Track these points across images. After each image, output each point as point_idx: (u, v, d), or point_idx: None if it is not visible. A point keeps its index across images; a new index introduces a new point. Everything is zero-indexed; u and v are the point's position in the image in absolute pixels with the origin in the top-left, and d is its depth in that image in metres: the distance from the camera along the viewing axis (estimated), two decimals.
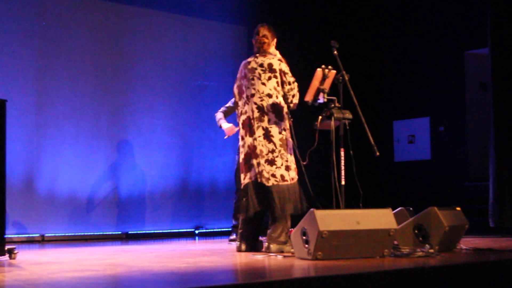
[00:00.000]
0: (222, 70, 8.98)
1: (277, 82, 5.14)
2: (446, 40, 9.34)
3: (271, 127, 5.10)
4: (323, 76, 5.03)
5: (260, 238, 5.33)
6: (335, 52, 5.09)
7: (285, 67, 5.18)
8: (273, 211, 5.06)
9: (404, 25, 9.95)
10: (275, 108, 5.12)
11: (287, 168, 5.10)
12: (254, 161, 5.13)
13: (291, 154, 5.16)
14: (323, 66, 5.04)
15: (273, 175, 5.05)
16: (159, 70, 8.56)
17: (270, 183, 5.05)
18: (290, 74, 5.18)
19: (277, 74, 5.15)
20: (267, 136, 5.10)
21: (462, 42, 9.16)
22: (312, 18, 9.99)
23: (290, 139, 5.21)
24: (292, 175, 5.11)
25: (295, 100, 5.17)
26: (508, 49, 7.32)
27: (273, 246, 4.99)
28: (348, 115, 5.00)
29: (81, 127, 7.87)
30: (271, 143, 5.09)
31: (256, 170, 5.12)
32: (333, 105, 4.98)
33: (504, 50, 7.33)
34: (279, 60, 5.20)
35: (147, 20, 8.52)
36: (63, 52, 7.82)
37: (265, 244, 5.06)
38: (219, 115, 6.78)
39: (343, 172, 4.89)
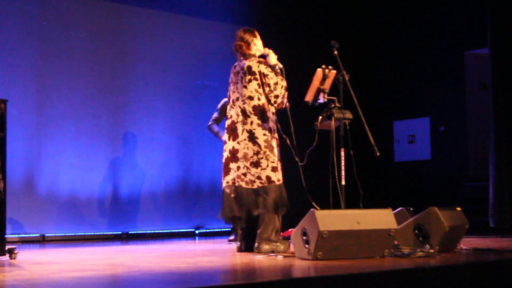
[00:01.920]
0: (222, 70, 8.93)
1: (258, 84, 5.13)
2: (446, 40, 9.34)
3: (254, 129, 5.08)
4: (324, 76, 5.02)
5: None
6: (336, 52, 5.08)
7: (264, 69, 5.14)
8: (254, 212, 5.05)
9: (404, 25, 9.95)
10: (257, 110, 5.10)
11: (274, 169, 5.07)
12: (234, 165, 5.14)
13: (276, 156, 5.13)
14: (323, 66, 5.04)
15: (259, 177, 5.04)
16: (159, 70, 8.56)
17: (255, 186, 5.05)
18: (271, 75, 5.12)
19: (257, 76, 5.13)
20: (252, 138, 5.08)
21: (462, 42, 9.16)
22: (313, 18, 9.98)
23: (276, 139, 5.17)
24: (278, 177, 5.10)
25: (279, 100, 5.14)
26: (508, 49, 7.33)
27: (264, 246, 4.97)
28: (348, 115, 4.99)
29: (81, 126, 7.87)
30: (256, 145, 5.07)
31: (235, 174, 5.12)
32: (333, 105, 4.98)
33: (504, 50, 7.34)
34: (258, 62, 5.17)
35: (147, 20, 8.52)
36: (63, 52, 7.82)
37: (255, 244, 5.04)
38: (216, 127, 6.79)
39: (343, 172, 4.88)
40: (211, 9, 9.03)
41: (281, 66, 5.25)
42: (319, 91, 5.03)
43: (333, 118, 4.93)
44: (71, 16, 7.93)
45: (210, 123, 6.85)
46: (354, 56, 9.44)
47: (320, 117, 4.98)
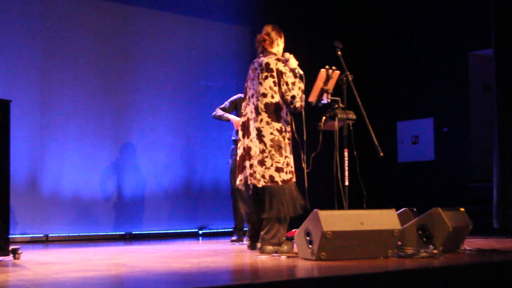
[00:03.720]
0: (226, 70, 8.98)
1: (274, 82, 5.02)
2: (450, 41, 9.33)
3: (262, 127, 5.02)
4: (327, 77, 5.03)
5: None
6: (339, 52, 5.08)
7: (282, 67, 5.02)
8: (264, 212, 5.01)
9: (408, 25, 9.94)
10: (268, 108, 5.02)
11: (278, 170, 4.98)
12: (247, 163, 5.12)
13: (286, 156, 5.02)
14: (327, 66, 5.04)
15: (263, 176, 4.99)
16: (162, 71, 8.56)
17: (260, 184, 5.00)
18: (289, 74, 5.00)
19: (274, 74, 5.02)
20: (259, 136, 5.03)
21: (466, 43, 9.15)
22: (316, 18, 9.98)
23: (286, 140, 5.06)
24: (283, 177, 4.97)
25: (296, 102, 4.97)
26: None
27: (266, 248, 4.95)
28: (352, 115, 4.99)
29: (84, 127, 7.88)
30: (262, 143, 5.01)
31: (248, 172, 5.11)
32: (336, 106, 4.98)
33: (508, 51, 7.32)
34: (276, 59, 5.07)
35: (151, 21, 8.53)
36: (67, 53, 7.84)
37: (258, 245, 5.04)
38: (219, 111, 6.71)
39: (346, 173, 4.89)
40: (215, 10, 9.04)
41: (301, 72, 5.11)
42: (322, 91, 5.04)
43: (336, 118, 4.93)
44: (75, 16, 7.94)
45: (214, 112, 6.77)
46: (357, 56, 9.43)
47: (324, 118, 4.98)
